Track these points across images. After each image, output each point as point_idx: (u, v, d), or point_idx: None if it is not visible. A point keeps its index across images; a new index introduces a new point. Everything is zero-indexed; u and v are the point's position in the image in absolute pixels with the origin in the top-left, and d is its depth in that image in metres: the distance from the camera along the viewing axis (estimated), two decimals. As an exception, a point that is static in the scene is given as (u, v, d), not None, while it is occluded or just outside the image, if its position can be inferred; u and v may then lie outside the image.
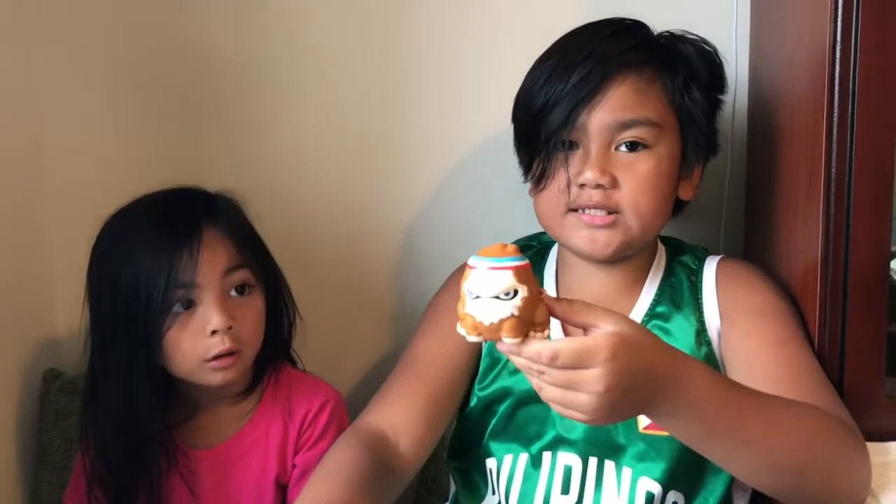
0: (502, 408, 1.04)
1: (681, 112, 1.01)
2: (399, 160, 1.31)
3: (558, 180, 0.99)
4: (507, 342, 0.73)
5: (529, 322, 0.73)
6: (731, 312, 1.01)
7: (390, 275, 1.34)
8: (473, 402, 1.07)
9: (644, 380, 0.75)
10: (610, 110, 0.97)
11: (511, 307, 0.72)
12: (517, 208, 1.22)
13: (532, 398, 1.00)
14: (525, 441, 1.03)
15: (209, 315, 0.99)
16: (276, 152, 1.31)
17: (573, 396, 0.73)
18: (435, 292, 1.14)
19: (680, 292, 1.05)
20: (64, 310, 1.28)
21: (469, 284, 0.74)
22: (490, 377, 1.06)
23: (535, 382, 0.75)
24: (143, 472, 1.01)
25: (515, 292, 0.72)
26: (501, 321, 0.72)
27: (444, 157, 1.31)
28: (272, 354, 1.09)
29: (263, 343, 1.06)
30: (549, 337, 0.75)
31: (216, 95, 1.30)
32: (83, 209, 1.18)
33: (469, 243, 1.22)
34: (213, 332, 0.99)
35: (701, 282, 1.05)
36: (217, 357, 1.00)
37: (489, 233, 1.26)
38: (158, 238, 0.98)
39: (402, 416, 1.01)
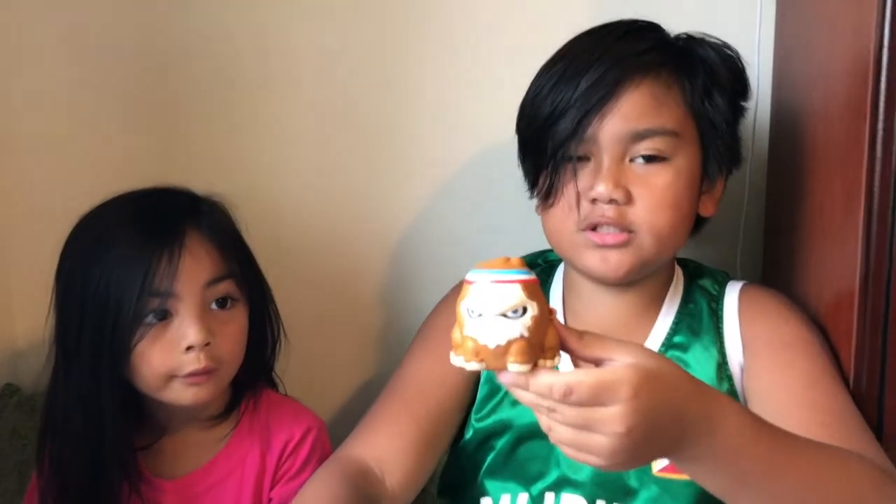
0: (501, 442, 0.97)
1: (701, 120, 0.94)
2: (391, 170, 1.25)
3: (567, 196, 0.93)
4: (514, 370, 0.65)
5: (539, 347, 0.65)
6: (755, 345, 0.94)
7: (379, 292, 1.27)
8: (469, 433, 1.00)
9: (669, 419, 0.67)
10: (623, 119, 0.90)
11: (520, 327, 0.64)
12: (521, 225, 1.17)
13: (535, 433, 0.92)
14: (525, 480, 0.95)
15: (185, 329, 0.91)
16: (258, 156, 1.24)
17: (588, 438, 0.65)
18: (428, 312, 1.07)
19: (699, 320, 0.97)
20: (24, 320, 1.21)
21: (469, 302, 0.65)
22: (488, 407, 0.99)
23: (544, 421, 0.67)
24: (102, 499, 0.93)
25: (524, 310, 0.64)
26: (509, 343, 0.64)
27: (441, 167, 1.24)
28: (252, 375, 1.01)
29: (243, 362, 0.97)
30: (558, 367, 0.66)
31: (198, 94, 1.23)
32: (48, 211, 1.11)
33: (467, 261, 1.15)
34: (189, 348, 0.91)
35: (722, 309, 0.98)
36: (191, 374, 0.92)
37: (490, 251, 1.20)
38: (134, 240, 0.90)
39: (390, 448, 0.94)
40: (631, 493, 0.92)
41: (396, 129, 1.23)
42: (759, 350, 0.93)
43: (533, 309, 0.64)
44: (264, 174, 1.23)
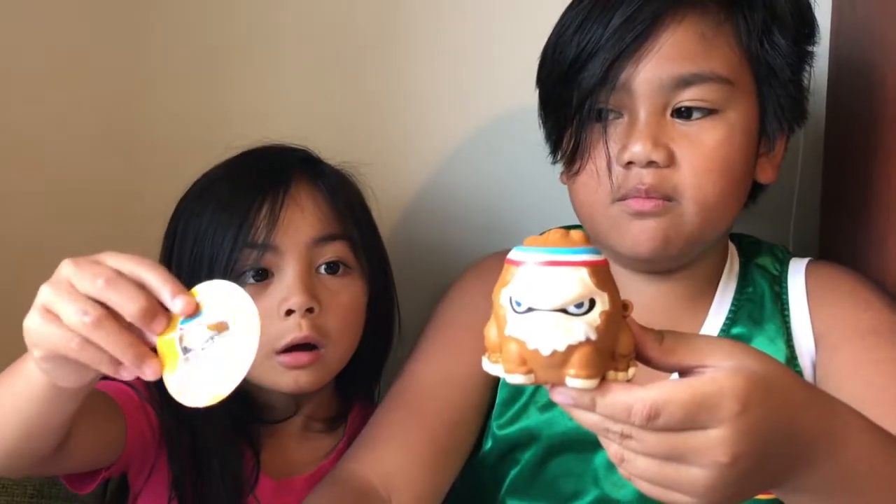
0: (527, 455, 0.85)
1: (758, 65, 0.82)
2: (387, 136, 1.13)
3: (596, 159, 0.81)
4: (577, 386, 0.50)
5: (609, 354, 0.51)
6: (830, 334, 0.82)
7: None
8: (488, 443, 0.88)
9: (782, 440, 0.54)
10: (664, 61, 0.78)
11: (585, 327, 0.49)
12: (542, 197, 1.06)
13: (569, 444, 0.83)
14: (557, 500, 0.84)
15: (285, 289, 0.82)
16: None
17: (678, 472, 0.52)
18: (439, 301, 0.94)
19: (761, 307, 0.86)
20: None
21: (514, 291, 0.51)
22: (511, 412, 0.87)
23: (614, 450, 0.54)
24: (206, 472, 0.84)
25: (592, 303, 0.50)
26: (570, 349, 0.49)
27: (447, 131, 1.13)
28: (365, 380, 0.94)
29: (356, 361, 0.89)
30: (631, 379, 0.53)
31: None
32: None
33: (483, 240, 1.08)
34: (289, 313, 0.81)
35: (786, 293, 0.86)
36: (291, 349, 0.82)
37: (509, 228, 1.10)
38: (234, 188, 0.84)
39: (397, 464, 0.82)
40: None
41: (403, 90, 1.13)
42: (836, 341, 0.81)
43: (603, 302, 0.50)
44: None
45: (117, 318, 0.58)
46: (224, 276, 0.78)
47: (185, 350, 0.59)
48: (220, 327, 0.59)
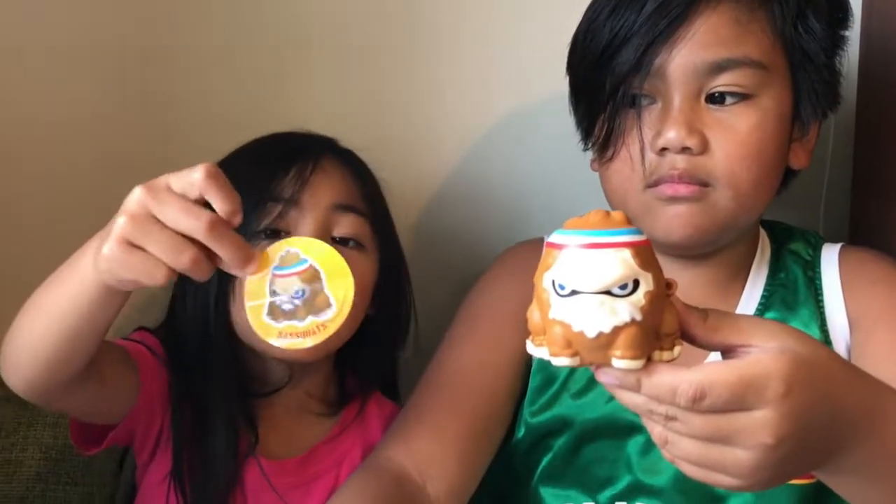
0: (560, 442, 0.85)
1: (793, 50, 0.81)
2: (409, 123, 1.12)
3: (630, 146, 0.80)
4: (622, 366, 0.50)
5: (654, 334, 0.51)
6: (865, 318, 0.81)
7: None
8: (521, 431, 0.87)
9: (827, 421, 0.54)
10: (698, 47, 0.78)
11: (630, 308, 0.49)
12: (568, 186, 1.06)
13: (603, 431, 0.82)
14: (590, 487, 0.83)
15: None
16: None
17: (722, 454, 0.52)
18: (468, 290, 0.94)
19: (794, 291, 0.85)
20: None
21: (557, 274, 0.51)
22: (543, 399, 0.86)
23: (658, 432, 0.54)
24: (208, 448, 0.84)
25: (636, 283, 0.50)
26: (616, 330, 0.49)
27: (474, 119, 1.12)
28: (369, 371, 0.93)
29: (361, 341, 0.88)
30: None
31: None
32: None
33: (509, 230, 1.07)
34: None
35: (820, 278, 0.85)
36: None
37: (536, 217, 1.09)
38: (267, 153, 0.87)
39: (432, 451, 0.82)
40: (719, 501, 0.80)
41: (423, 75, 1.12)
42: (872, 327, 0.80)
43: (647, 283, 0.50)
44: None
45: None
46: (240, 234, 0.81)
47: (273, 293, 0.64)
48: (311, 278, 0.64)
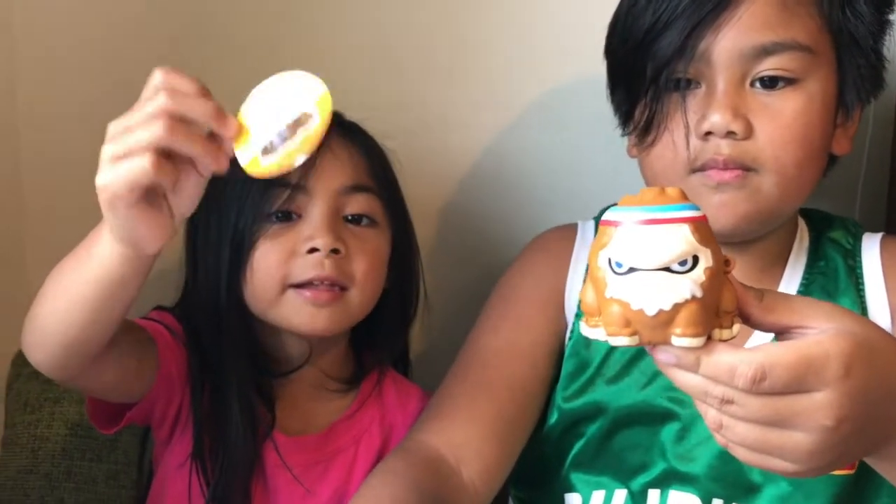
0: (593, 428, 0.84)
1: (840, 33, 0.80)
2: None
3: (673, 130, 0.79)
4: (683, 344, 0.50)
5: (714, 311, 0.50)
6: None
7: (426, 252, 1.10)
8: (554, 416, 0.86)
9: (885, 404, 0.54)
10: (744, 30, 0.77)
11: (691, 284, 0.49)
12: (604, 171, 1.04)
13: (637, 417, 0.81)
14: (623, 474, 0.82)
15: (311, 229, 0.82)
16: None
17: (781, 438, 0.52)
18: (502, 274, 0.93)
19: (834, 280, 0.84)
20: (39, 280, 1.09)
21: (614, 252, 0.50)
22: (577, 385, 0.85)
23: (713, 416, 0.53)
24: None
25: (695, 260, 0.49)
26: (676, 308, 0.49)
27: (512, 99, 1.10)
28: (385, 346, 0.93)
29: (376, 317, 0.88)
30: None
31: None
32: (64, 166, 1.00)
33: (543, 214, 1.04)
34: (312, 251, 0.82)
35: (861, 267, 0.84)
36: (313, 283, 0.82)
37: (570, 203, 1.06)
38: None
39: (467, 435, 0.82)
40: (754, 489, 0.79)
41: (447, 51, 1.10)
42: None
43: (706, 259, 0.49)
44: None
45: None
46: (251, 216, 0.81)
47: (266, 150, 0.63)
48: (301, 120, 0.64)
